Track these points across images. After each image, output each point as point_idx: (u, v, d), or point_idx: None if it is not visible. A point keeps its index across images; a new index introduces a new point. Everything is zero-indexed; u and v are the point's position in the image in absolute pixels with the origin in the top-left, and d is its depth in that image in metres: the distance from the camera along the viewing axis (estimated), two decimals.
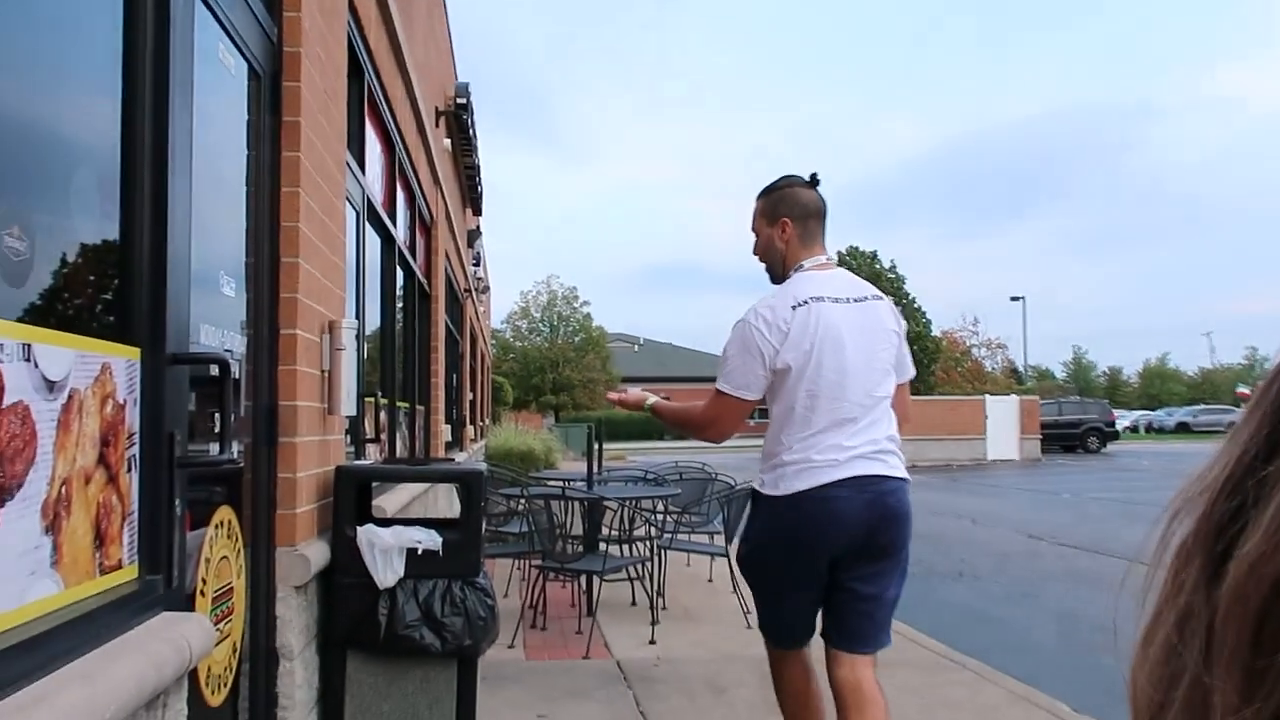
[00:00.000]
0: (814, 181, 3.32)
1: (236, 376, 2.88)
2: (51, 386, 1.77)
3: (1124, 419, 49.10)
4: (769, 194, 3.32)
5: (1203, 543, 0.39)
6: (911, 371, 3.29)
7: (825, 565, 3.06)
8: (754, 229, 3.35)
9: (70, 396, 1.83)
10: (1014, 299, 50.22)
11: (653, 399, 3.57)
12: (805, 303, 3.05)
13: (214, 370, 2.50)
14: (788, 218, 3.23)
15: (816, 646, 3.22)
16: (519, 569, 7.65)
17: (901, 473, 3.13)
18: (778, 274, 3.27)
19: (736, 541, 3.61)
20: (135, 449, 2.13)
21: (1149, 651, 0.41)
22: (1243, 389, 54.39)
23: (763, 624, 3.29)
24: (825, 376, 3.00)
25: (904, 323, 3.28)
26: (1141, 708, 0.41)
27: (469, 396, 15.76)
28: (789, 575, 3.10)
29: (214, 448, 2.59)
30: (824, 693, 3.19)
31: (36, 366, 1.71)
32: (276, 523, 3.23)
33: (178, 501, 2.28)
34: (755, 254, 3.37)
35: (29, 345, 1.69)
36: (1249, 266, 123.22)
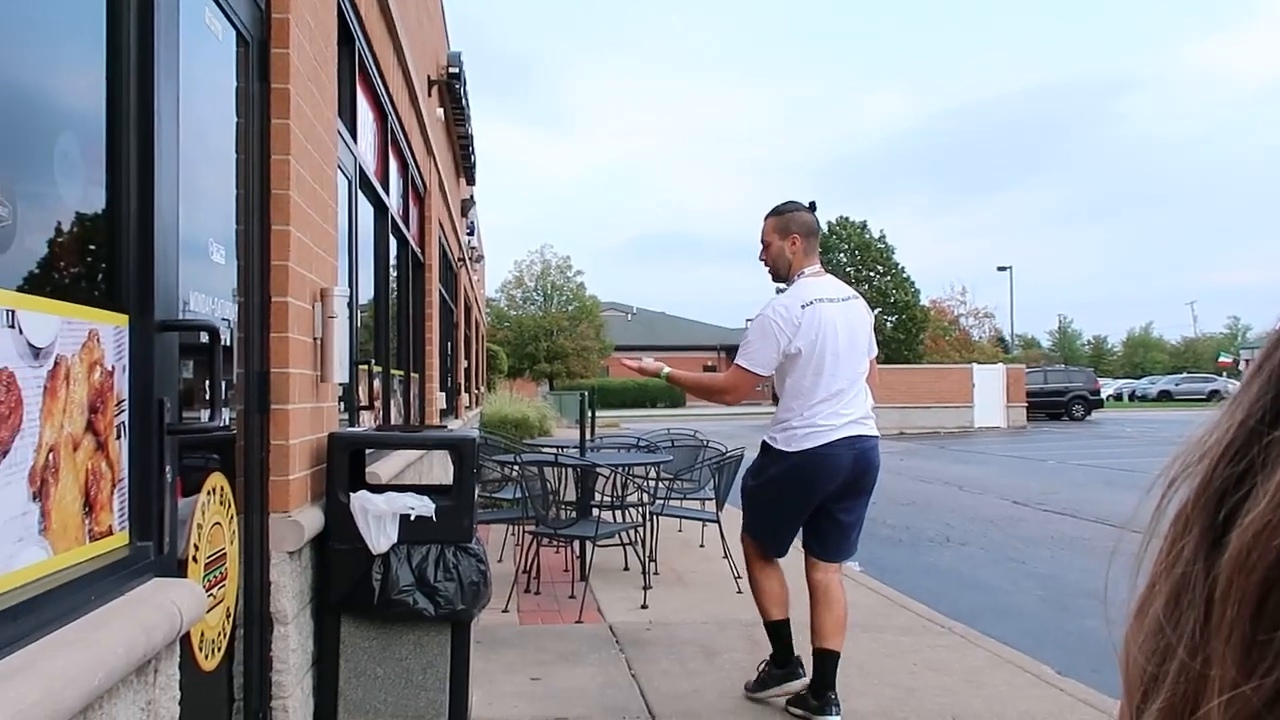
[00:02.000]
0: (812, 207, 4.28)
1: (227, 344, 2.84)
2: (37, 353, 1.73)
3: (1108, 387, 49.31)
4: (782, 214, 4.22)
5: (1203, 510, 0.37)
6: (875, 350, 4.26)
7: (818, 501, 4.02)
8: (766, 240, 4.25)
9: (57, 363, 1.79)
10: (1001, 269, 50.14)
11: (668, 369, 4.41)
12: (811, 303, 4.00)
13: (204, 337, 2.46)
14: (798, 234, 4.18)
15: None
16: (513, 534, 7.66)
17: (875, 433, 4.12)
18: (782, 276, 4.22)
19: (742, 478, 4.36)
20: (124, 416, 2.10)
21: (1143, 622, 0.39)
22: (1224, 357, 54.65)
23: (757, 537, 4.19)
24: (825, 359, 3.94)
25: (872, 315, 4.31)
26: (1134, 679, 0.38)
27: (464, 364, 15.73)
28: (791, 508, 4.07)
29: (205, 415, 2.56)
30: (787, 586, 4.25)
31: (21, 333, 1.68)
32: (269, 489, 3.20)
33: (168, 468, 2.25)
34: (763, 258, 4.27)
35: (13, 312, 1.65)
36: (1232, 237, 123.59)
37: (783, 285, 4.29)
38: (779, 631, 4.22)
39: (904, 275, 49.14)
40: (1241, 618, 0.33)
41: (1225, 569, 0.34)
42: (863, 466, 4.01)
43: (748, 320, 4.63)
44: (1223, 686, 0.33)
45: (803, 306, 3.99)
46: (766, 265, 4.28)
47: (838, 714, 3.98)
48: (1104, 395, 39.87)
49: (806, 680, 4.13)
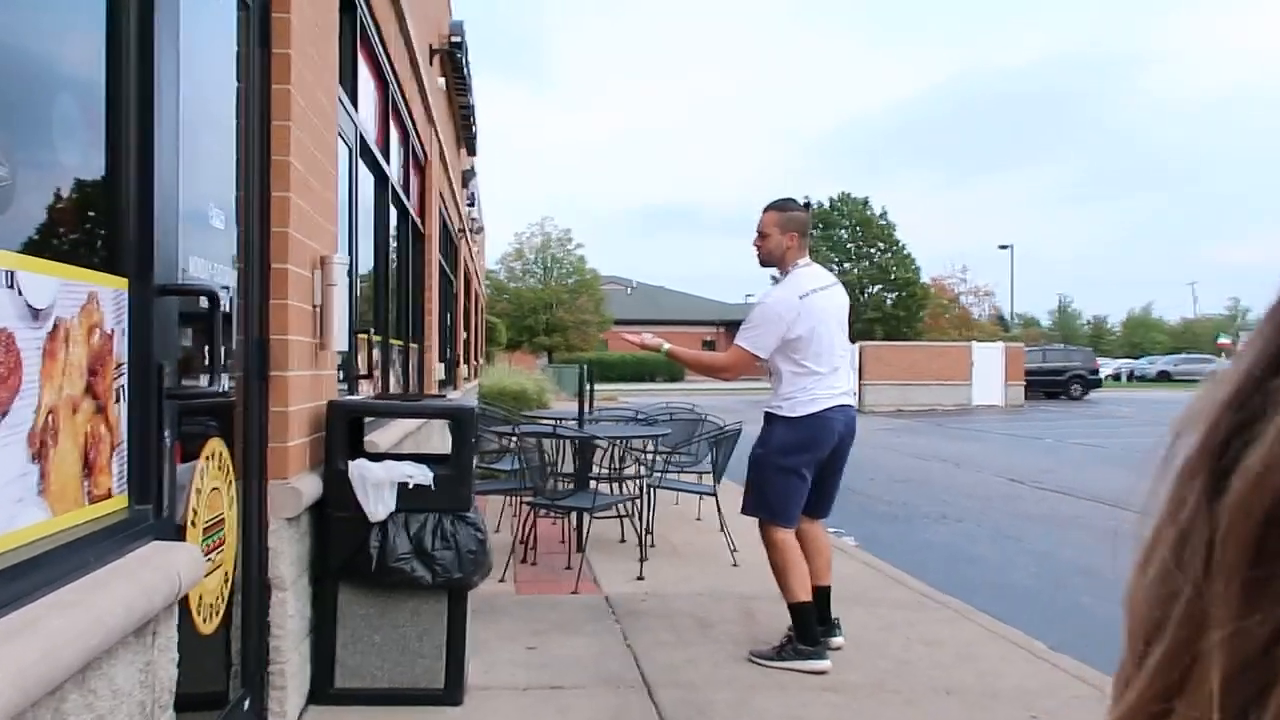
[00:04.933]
0: (807, 207, 4.77)
1: (226, 310, 2.84)
2: (36, 315, 1.73)
3: (1107, 367, 49.29)
4: (783, 211, 4.62)
5: (1206, 458, 0.37)
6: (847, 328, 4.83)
7: (820, 459, 4.47)
8: (764, 231, 4.61)
9: (56, 325, 1.79)
10: (1002, 248, 50.12)
11: (668, 345, 4.78)
12: (807, 294, 4.47)
13: (203, 302, 2.46)
14: (795, 232, 4.60)
15: None
16: (510, 506, 7.68)
17: (855, 404, 4.76)
18: (774, 264, 4.63)
19: (752, 449, 4.61)
20: (124, 379, 2.10)
21: (1147, 571, 0.39)
22: (1224, 339, 54.63)
23: (773, 509, 4.46)
24: (822, 342, 4.46)
25: (848, 297, 4.83)
26: (1137, 628, 0.39)
27: (463, 336, 15.72)
28: (800, 467, 4.44)
29: (205, 380, 2.56)
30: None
31: (20, 294, 1.68)
32: (268, 456, 3.21)
33: (167, 432, 2.26)
34: (758, 245, 4.63)
35: (12, 273, 1.65)
36: (1235, 218, 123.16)
37: (774, 272, 4.70)
38: (808, 613, 4.43)
39: (905, 252, 49.04)
40: (1241, 560, 0.34)
41: (1226, 512, 0.35)
42: (849, 431, 4.59)
43: (748, 296, 5.36)
44: (1222, 627, 0.34)
45: (800, 297, 4.46)
46: (759, 252, 4.66)
47: (841, 634, 4.64)
48: (1103, 375, 39.86)
49: (829, 664, 4.36)
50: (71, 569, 1.81)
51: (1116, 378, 52.12)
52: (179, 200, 2.34)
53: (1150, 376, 51.85)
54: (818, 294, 4.52)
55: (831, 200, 49.25)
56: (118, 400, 2.07)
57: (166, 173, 2.25)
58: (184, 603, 2.33)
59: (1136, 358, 61.09)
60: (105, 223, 2.09)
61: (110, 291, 2.04)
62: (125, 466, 2.11)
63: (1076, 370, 34.57)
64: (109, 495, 2.03)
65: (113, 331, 2.04)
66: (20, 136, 1.74)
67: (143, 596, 1.89)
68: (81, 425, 1.90)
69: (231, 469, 2.87)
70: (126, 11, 2.12)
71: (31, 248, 1.75)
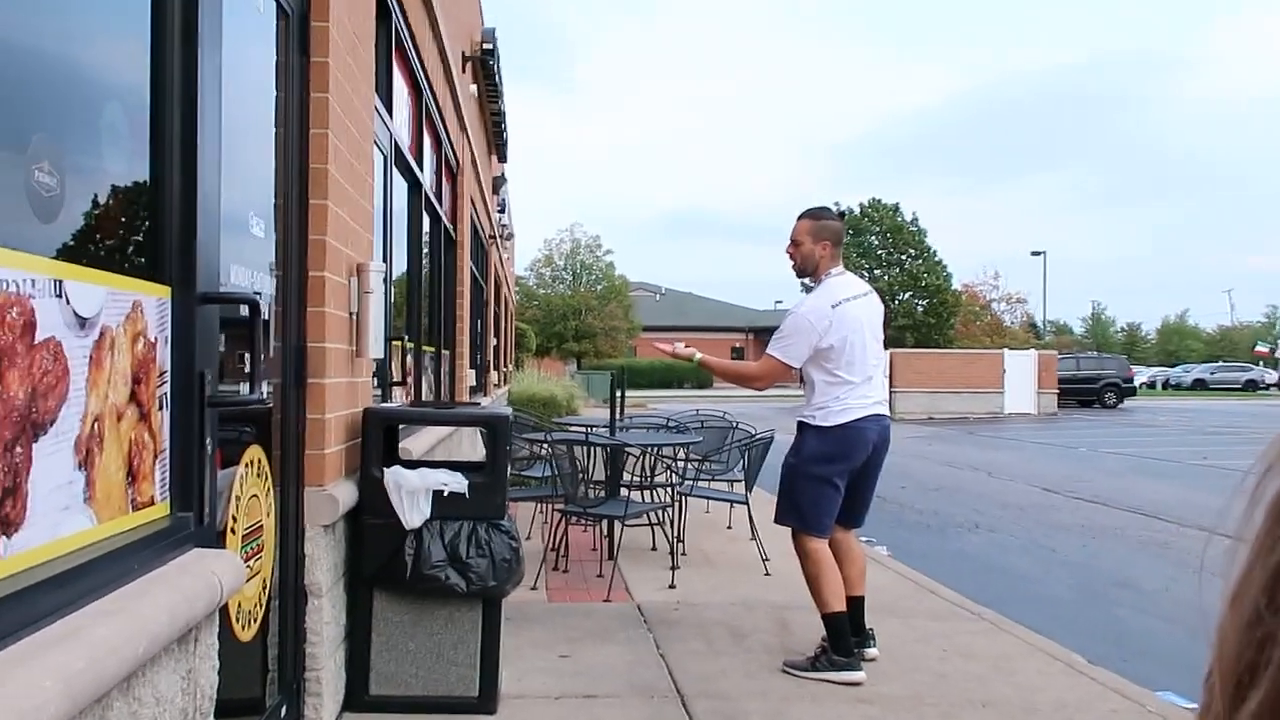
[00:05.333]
0: (841, 216, 4.89)
1: (266, 317, 2.86)
2: (83, 323, 1.74)
3: (1141, 375, 48.72)
4: (818, 219, 4.63)
5: None
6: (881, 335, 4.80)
7: (854, 469, 4.46)
8: (798, 239, 4.62)
9: (102, 334, 1.80)
10: (1035, 253, 49.63)
11: (699, 354, 4.77)
12: (840, 303, 4.48)
13: (244, 310, 2.47)
14: (829, 241, 4.61)
15: None
16: (541, 513, 7.68)
17: (888, 413, 4.72)
18: (806, 273, 4.68)
19: (784, 458, 4.60)
20: (166, 387, 2.11)
21: (1240, 609, 0.38)
22: (1261, 347, 53.90)
23: (806, 520, 4.44)
24: (855, 352, 4.45)
25: (882, 305, 4.82)
26: (1229, 669, 0.38)
27: (493, 342, 15.76)
28: (833, 477, 4.43)
29: (244, 388, 2.57)
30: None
31: (68, 303, 1.69)
32: (305, 463, 3.23)
33: (208, 440, 2.27)
34: (791, 253, 4.65)
35: (60, 282, 1.66)
36: (1273, 223, 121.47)
37: (808, 281, 4.77)
38: (842, 623, 4.41)
39: (936, 259, 48.74)
40: None
41: None
42: (882, 440, 4.57)
43: (777, 302, 5.32)
44: None
45: (833, 306, 4.47)
46: (793, 261, 4.67)
47: (875, 644, 4.64)
48: (1137, 383, 39.43)
49: (863, 676, 4.32)
50: (116, 576, 1.82)
51: (1151, 386, 51.50)
52: (220, 208, 2.35)
53: (1186, 385, 51.19)
54: (851, 303, 4.52)
55: (862, 206, 49.04)
56: (161, 408, 2.08)
57: (209, 181, 2.27)
58: (223, 610, 2.34)
59: (1172, 365, 60.37)
60: (149, 231, 2.11)
61: (154, 300, 2.05)
62: (167, 474, 2.12)
63: (1110, 378, 34.22)
64: (152, 503, 2.04)
65: (156, 340, 2.06)
66: (67, 145, 1.75)
67: (185, 604, 1.90)
68: (126, 433, 1.91)
69: (270, 476, 2.88)
70: (170, 19, 2.13)
71: (78, 256, 1.76)
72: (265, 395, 2.88)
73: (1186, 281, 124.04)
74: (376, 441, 3.67)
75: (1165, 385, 52.66)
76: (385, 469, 3.62)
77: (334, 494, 3.28)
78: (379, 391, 4.72)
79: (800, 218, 4.68)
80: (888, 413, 4.69)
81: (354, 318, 3.68)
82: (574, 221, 58.48)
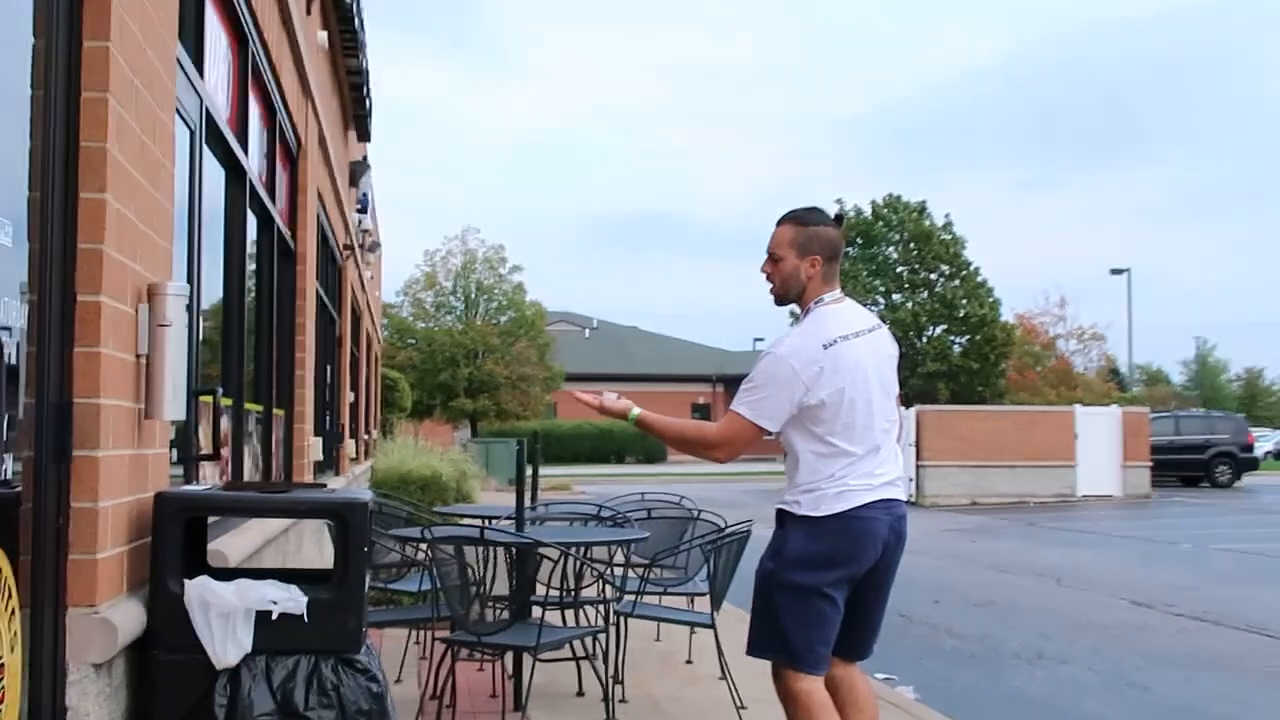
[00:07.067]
0: (840, 220, 4.75)
1: (12, 362, 2.82)
2: None
3: (1265, 441, 49.75)
4: (804, 225, 4.52)
5: None
6: (897, 388, 4.69)
7: (856, 578, 4.35)
8: (777, 253, 4.52)
9: None
10: (1115, 272, 50.70)
11: (638, 409, 4.60)
12: (835, 342, 4.33)
13: None
14: (819, 255, 4.49)
15: None
16: (418, 643, 7.61)
17: (906, 497, 4.60)
18: (791, 300, 4.58)
19: (759, 561, 4.50)
20: None
21: None
22: None
23: (793, 650, 4.33)
24: (857, 409, 4.33)
25: (897, 347, 4.74)
26: None
27: (348, 398, 15.69)
28: (827, 587, 4.30)
29: None
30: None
31: None
32: (68, 573, 3.18)
33: None
34: (767, 272, 4.56)
35: None
36: None
37: (795, 309, 4.67)
38: None
39: (978, 278, 49.47)
40: None
41: None
42: (896, 537, 4.45)
43: (757, 340, 5.21)
44: None
45: (825, 346, 4.34)
46: (771, 283, 4.59)
47: None
48: (1259, 452, 40.22)
49: None
50: None
51: (1279, 456, 52.56)
52: None
53: None
54: (851, 341, 4.39)
55: (874, 205, 49.58)
56: None
57: None
58: None
59: None
60: None
61: None
62: None
63: (1223, 445, 34.86)
64: None
65: None
66: None
67: None
68: None
69: (14, 592, 2.83)
70: None
71: None
72: (9, 475, 2.84)
73: None
74: (175, 541, 3.63)
75: None
76: (188, 581, 3.58)
77: (110, 618, 3.23)
78: (179, 469, 4.67)
79: (780, 222, 4.57)
80: (905, 496, 4.59)
81: (142, 362, 3.65)
82: (467, 226, 58.40)
